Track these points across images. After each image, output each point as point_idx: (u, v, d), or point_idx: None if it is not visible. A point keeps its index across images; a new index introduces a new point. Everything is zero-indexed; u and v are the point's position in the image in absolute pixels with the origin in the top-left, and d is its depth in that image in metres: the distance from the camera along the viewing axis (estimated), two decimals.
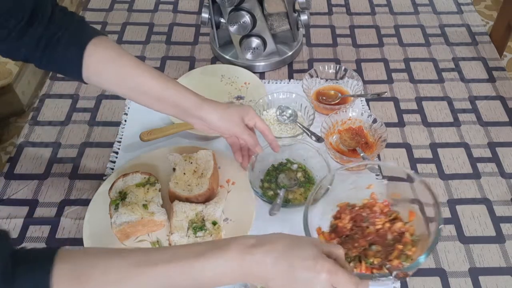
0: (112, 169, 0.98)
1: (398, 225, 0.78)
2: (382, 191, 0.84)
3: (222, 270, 0.57)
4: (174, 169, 0.91)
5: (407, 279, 0.82)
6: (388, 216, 0.80)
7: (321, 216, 0.81)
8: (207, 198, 0.87)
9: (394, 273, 0.66)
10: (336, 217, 0.82)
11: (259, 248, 0.58)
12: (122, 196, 0.86)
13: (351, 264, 0.74)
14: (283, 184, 0.93)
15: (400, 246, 0.75)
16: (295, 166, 0.96)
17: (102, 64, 0.77)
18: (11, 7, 0.71)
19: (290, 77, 1.19)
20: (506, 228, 0.89)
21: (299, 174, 0.94)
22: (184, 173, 0.90)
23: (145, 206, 0.84)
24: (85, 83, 0.80)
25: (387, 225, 0.78)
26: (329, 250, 0.60)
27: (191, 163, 0.91)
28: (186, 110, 0.82)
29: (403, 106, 1.12)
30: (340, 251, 0.61)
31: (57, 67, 0.80)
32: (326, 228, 0.81)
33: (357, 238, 0.76)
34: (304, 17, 1.15)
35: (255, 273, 0.58)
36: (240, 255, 0.57)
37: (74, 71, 0.77)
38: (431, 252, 0.70)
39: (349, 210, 0.81)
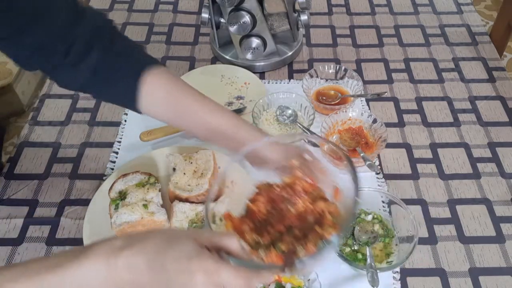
0: (112, 169, 0.98)
1: (321, 204, 0.65)
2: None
3: (85, 280, 0.49)
4: (174, 169, 0.91)
5: (407, 278, 0.82)
6: (311, 196, 0.67)
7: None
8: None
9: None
10: (252, 199, 0.68)
11: (127, 251, 0.50)
12: (122, 196, 0.86)
13: (261, 252, 0.61)
14: (362, 240, 0.83)
15: (319, 228, 0.63)
16: (369, 217, 0.86)
17: (158, 98, 0.73)
18: (71, 21, 0.67)
19: (290, 77, 1.19)
20: (506, 228, 0.89)
21: (377, 227, 0.85)
22: (184, 173, 0.90)
23: (145, 206, 0.84)
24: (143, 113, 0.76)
25: (309, 205, 0.65)
26: (218, 242, 0.52)
27: (191, 163, 0.91)
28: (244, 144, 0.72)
29: (403, 106, 1.12)
30: (232, 242, 0.53)
31: (112, 99, 0.77)
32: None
33: (273, 222, 0.64)
34: (304, 17, 1.15)
35: (126, 279, 0.50)
36: (105, 261, 0.50)
37: (130, 105, 0.74)
38: (345, 232, 0.63)
39: (267, 190, 0.68)
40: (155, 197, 0.86)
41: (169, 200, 0.89)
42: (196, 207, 0.85)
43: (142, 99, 0.72)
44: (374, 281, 0.74)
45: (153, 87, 0.72)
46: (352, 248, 0.83)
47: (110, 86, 0.73)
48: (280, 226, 0.64)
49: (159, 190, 0.88)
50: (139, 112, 0.75)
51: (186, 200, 0.86)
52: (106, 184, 0.91)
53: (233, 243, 0.53)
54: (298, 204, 0.66)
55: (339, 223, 0.63)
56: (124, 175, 0.90)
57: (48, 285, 0.49)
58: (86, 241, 0.84)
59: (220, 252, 0.53)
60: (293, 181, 0.69)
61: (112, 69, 0.72)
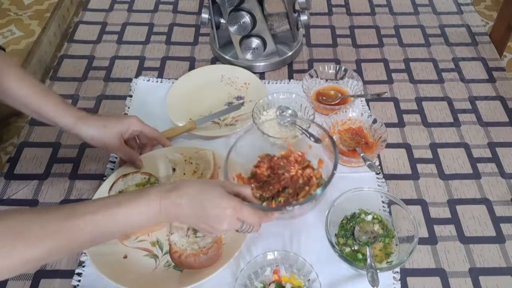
0: (112, 169, 0.98)
1: (308, 171, 0.88)
2: (297, 143, 0.94)
3: (144, 214, 0.67)
4: (174, 170, 0.90)
5: (407, 278, 0.82)
6: (301, 164, 0.89)
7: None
8: None
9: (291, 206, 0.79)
10: (256, 165, 0.91)
11: (174, 193, 0.68)
12: None
13: (265, 203, 0.83)
14: (362, 240, 0.84)
15: (307, 187, 0.85)
16: (369, 217, 0.87)
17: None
18: None
19: (290, 77, 1.19)
20: (506, 228, 0.89)
21: (377, 227, 0.86)
22: (184, 173, 0.90)
23: None
24: None
25: (300, 171, 0.87)
26: (237, 190, 0.73)
27: (191, 163, 0.91)
28: (64, 127, 0.86)
29: (403, 106, 1.12)
30: (247, 190, 0.74)
31: None
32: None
33: (273, 183, 0.86)
34: (304, 17, 1.15)
35: (172, 213, 0.68)
36: (158, 199, 0.67)
37: None
38: (325, 187, 0.78)
39: (268, 159, 0.90)
40: None
41: None
42: None
43: None
44: (374, 281, 0.74)
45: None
46: (352, 248, 0.83)
47: None
48: (278, 186, 0.85)
49: None
50: None
51: None
52: (106, 184, 0.91)
53: (248, 192, 0.75)
54: (291, 171, 0.87)
55: (321, 184, 0.85)
56: (124, 175, 0.90)
57: (118, 217, 0.65)
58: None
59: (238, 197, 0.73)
60: (288, 153, 0.91)
61: None
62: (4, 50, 0.85)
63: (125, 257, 0.83)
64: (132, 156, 0.93)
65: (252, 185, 0.87)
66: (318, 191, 0.78)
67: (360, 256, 0.82)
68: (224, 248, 0.81)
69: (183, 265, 0.78)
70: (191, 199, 0.69)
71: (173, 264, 0.80)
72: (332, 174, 0.78)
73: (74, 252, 0.67)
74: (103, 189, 0.90)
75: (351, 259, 0.81)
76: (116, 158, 1.00)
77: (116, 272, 0.79)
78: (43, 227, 0.59)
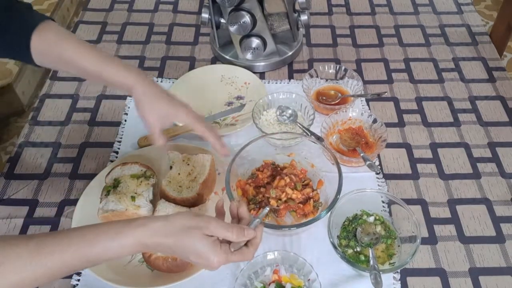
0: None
1: (307, 190, 0.88)
2: (301, 160, 0.95)
3: (117, 254, 0.63)
4: (171, 167, 0.91)
5: (407, 278, 0.82)
6: (301, 181, 0.90)
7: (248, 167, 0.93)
8: (193, 204, 0.87)
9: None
10: (259, 169, 0.92)
11: (151, 243, 0.64)
12: (115, 184, 0.87)
13: (252, 205, 0.86)
14: (364, 241, 0.84)
15: (301, 205, 0.87)
16: (371, 219, 0.87)
17: (48, 49, 0.81)
18: None
19: (290, 77, 1.19)
20: (506, 228, 0.89)
21: (379, 228, 0.85)
22: (179, 173, 0.90)
23: (132, 198, 0.84)
24: (39, 66, 0.84)
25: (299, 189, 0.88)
26: (224, 235, 0.66)
27: (188, 164, 0.91)
28: (122, 89, 0.85)
29: (403, 106, 1.12)
30: (232, 233, 0.66)
31: (10, 54, 0.83)
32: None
33: (267, 189, 0.88)
34: (304, 17, 1.15)
35: (153, 249, 0.66)
36: (133, 247, 0.63)
37: (25, 56, 0.81)
38: (329, 210, 0.80)
39: (272, 168, 0.92)
40: (145, 192, 0.86)
41: (159, 196, 0.88)
42: (180, 209, 0.84)
43: (34, 52, 0.80)
44: (377, 283, 0.73)
45: (40, 41, 0.80)
46: (355, 250, 0.83)
47: (5, 44, 0.80)
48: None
49: (152, 185, 0.88)
50: (34, 65, 0.83)
51: (173, 201, 0.86)
52: (106, 169, 0.92)
53: (235, 236, 0.67)
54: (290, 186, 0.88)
55: (317, 207, 0.87)
56: (124, 164, 0.91)
57: (88, 257, 0.62)
58: (74, 224, 0.85)
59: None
60: (290, 167, 0.92)
61: (5, 27, 0.79)
62: (53, 20, 0.85)
63: None
64: (156, 133, 0.85)
65: (248, 186, 0.89)
66: (322, 213, 0.79)
67: (362, 257, 0.82)
68: None
69: (151, 265, 0.79)
70: (170, 251, 0.67)
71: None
72: (336, 199, 0.81)
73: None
74: (101, 175, 0.91)
75: (354, 260, 0.81)
76: (117, 157, 1.00)
77: None
78: (17, 259, 0.58)
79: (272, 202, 0.85)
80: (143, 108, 0.82)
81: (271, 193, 0.86)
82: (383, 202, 0.88)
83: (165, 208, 0.84)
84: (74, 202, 0.92)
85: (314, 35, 1.31)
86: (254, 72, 1.17)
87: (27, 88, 2.00)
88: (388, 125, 1.04)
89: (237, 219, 0.72)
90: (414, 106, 1.12)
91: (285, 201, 0.86)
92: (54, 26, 0.82)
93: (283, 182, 0.87)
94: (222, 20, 1.17)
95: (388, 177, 0.97)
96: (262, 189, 0.88)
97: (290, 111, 1.04)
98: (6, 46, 0.80)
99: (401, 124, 1.08)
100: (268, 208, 0.76)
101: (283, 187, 0.86)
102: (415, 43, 1.28)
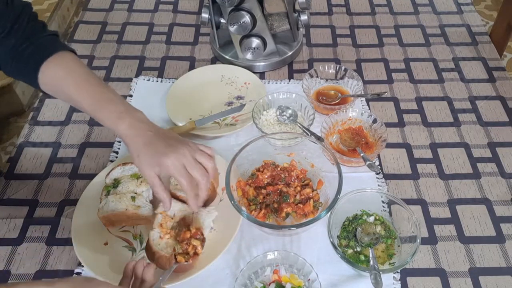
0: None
1: (307, 190, 0.88)
2: (301, 160, 0.94)
3: None
4: None
5: (407, 278, 0.82)
6: (301, 181, 0.90)
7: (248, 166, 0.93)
8: (209, 198, 0.87)
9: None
10: (259, 170, 0.92)
11: None
12: (115, 184, 0.87)
13: (253, 207, 0.86)
14: (364, 241, 0.84)
15: (301, 205, 0.86)
16: (371, 219, 0.86)
17: (53, 82, 0.82)
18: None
19: (290, 77, 1.19)
20: (506, 228, 0.89)
21: (379, 228, 0.85)
22: None
23: (133, 198, 0.84)
24: (46, 93, 0.85)
25: (298, 188, 0.89)
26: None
27: None
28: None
29: (403, 106, 1.12)
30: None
31: (22, 78, 0.85)
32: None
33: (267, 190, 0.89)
34: (304, 17, 1.15)
35: None
36: None
37: (33, 84, 0.82)
38: (329, 210, 0.79)
39: (272, 168, 0.91)
40: (145, 192, 0.86)
41: None
42: (187, 208, 0.84)
43: (41, 82, 0.81)
44: (377, 283, 0.73)
45: (48, 73, 0.81)
46: (355, 250, 0.83)
47: (19, 68, 0.82)
48: (274, 195, 0.88)
49: None
50: (42, 91, 0.84)
51: (186, 202, 0.86)
52: (107, 169, 0.92)
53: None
54: (291, 185, 0.89)
55: (317, 207, 0.86)
56: (124, 164, 0.91)
57: None
58: (74, 224, 0.85)
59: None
60: (290, 168, 0.92)
61: (21, 52, 0.81)
62: (73, 51, 0.85)
63: (106, 243, 0.84)
64: (160, 193, 0.79)
65: (248, 187, 0.89)
66: (322, 213, 0.79)
67: (362, 257, 0.82)
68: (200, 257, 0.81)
69: (155, 263, 0.78)
70: None
71: (147, 261, 0.81)
72: (336, 199, 0.80)
73: None
74: (101, 175, 0.91)
75: (354, 260, 0.81)
76: (117, 157, 1.00)
77: (92, 255, 0.81)
78: None
79: (180, 258, 0.77)
80: (135, 161, 0.78)
81: (177, 249, 0.79)
82: (383, 202, 0.88)
83: (172, 205, 0.83)
84: (74, 202, 0.91)
85: (314, 35, 1.31)
86: (254, 72, 1.17)
87: (27, 88, 1.99)
88: (388, 125, 1.04)
89: (140, 280, 0.69)
90: (414, 106, 1.12)
91: (195, 253, 0.79)
92: (67, 59, 0.82)
93: (189, 234, 0.80)
94: (222, 20, 1.17)
95: (388, 177, 0.97)
96: (262, 190, 0.88)
97: (290, 111, 1.04)
98: (19, 70, 0.82)
99: (401, 124, 1.08)
100: (175, 266, 0.75)
101: (189, 239, 0.79)
102: (415, 43, 1.28)
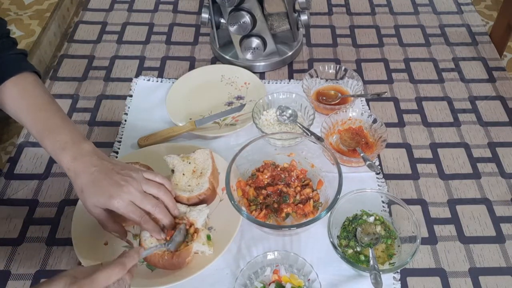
0: None
1: (307, 190, 0.89)
2: (301, 160, 0.94)
3: None
4: (172, 171, 0.90)
5: (407, 278, 0.82)
6: (301, 182, 0.90)
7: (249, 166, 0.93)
8: (209, 198, 0.87)
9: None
10: (259, 170, 0.92)
11: None
12: None
13: (253, 207, 0.86)
14: (364, 241, 0.83)
15: (301, 206, 0.86)
16: (371, 219, 0.86)
17: (10, 103, 0.81)
18: None
19: (290, 77, 1.19)
20: (506, 228, 0.89)
21: (379, 228, 0.85)
22: (184, 174, 0.89)
23: None
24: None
25: (298, 188, 0.89)
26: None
27: (189, 163, 0.91)
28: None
29: (403, 106, 1.12)
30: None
31: None
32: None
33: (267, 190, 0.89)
34: (304, 17, 1.15)
35: None
36: None
37: None
38: (329, 210, 0.80)
39: (272, 168, 0.92)
40: None
41: None
42: (179, 207, 0.84)
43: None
44: (378, 283, 0.73)
45: (5, 93, 0.80)
46: (355, 250, 0.83)
47: None
48: (275, 196, 0.89)
49: None
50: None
51: (187, 201, 0.86)
52: None
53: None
54: (291, 185, 0.89)
55: (317, 207, 0.87)
56: None
57: None
58: (74, 224, 0.85)
59: None
60: (290, 168, 0.92)
61: None
62: (36, 72, 0.85)
63: (106, 243, 0.84)
64: (110, 227, 0.79)
65: (248, 187, 0.89)
66: (322, 213, 0.79)
67: (362, 257, 0.82)
68: (196, 257, 0.81)
69: (147, 260, 0.80)
70: None
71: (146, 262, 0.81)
72: (336, 199, 0.80)
73: None
74: None
75: (354, 260, 0.81)
76: (117, 157, 1.00)
77: (92, 255, 0.81)
78: None
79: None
80: (79, 196, 0.77)
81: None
82: (383, 202, 0.88)
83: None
84: (74, 202, 0.91)
85: (314, 35, 1.31)
86: (254, 72, 1.17)
87: None
88: (388, 125, 1.04)
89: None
90: (414, 106, 1.12)
91: None
92: (27, 81, 0.81)
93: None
94: (222, 20, 1.17)
95: (388, 177, 0.97)
96: (263, 191, 0.88)
97: (290, 111, 1.04)
98: None
99: (401, 124, 1.08)
100: (183, 226, 0.79)
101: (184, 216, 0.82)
102: (415, 43, 1.28)
